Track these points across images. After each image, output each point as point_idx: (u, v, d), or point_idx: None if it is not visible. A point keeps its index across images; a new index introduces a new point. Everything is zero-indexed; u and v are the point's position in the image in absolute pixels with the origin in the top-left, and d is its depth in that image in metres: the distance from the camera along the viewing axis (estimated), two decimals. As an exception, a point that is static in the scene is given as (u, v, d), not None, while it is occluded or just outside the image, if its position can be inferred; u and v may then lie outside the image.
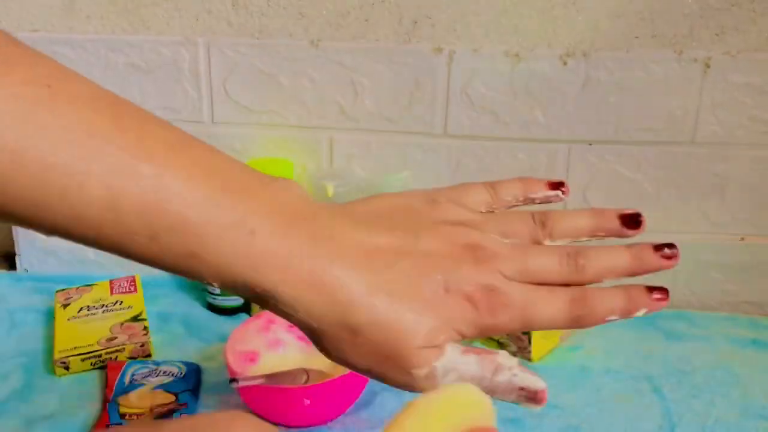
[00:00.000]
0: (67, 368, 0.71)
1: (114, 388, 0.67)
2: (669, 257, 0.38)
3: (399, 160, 0.84)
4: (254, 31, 0.81)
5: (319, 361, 0.69)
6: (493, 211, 0.41)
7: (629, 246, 0.39)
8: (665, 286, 0.38)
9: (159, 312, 0.81)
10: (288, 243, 0.35)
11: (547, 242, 0.39)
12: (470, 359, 0.37)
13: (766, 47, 0.76)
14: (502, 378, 0.37)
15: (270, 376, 0.61)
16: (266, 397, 0.62)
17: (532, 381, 0.37)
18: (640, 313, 0.38)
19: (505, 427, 0.45)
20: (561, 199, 0.41)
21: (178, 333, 0.79)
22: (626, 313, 0.38)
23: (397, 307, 0.36)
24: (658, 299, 0.38)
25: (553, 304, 0.37)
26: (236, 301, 0.81)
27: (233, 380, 0.61)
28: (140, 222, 0.34)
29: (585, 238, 0.40)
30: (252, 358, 0.69)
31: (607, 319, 0.38)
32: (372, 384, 0.68)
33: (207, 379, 0.71)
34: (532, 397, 0.37)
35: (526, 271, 0.38)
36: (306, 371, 0.64)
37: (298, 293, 0.35)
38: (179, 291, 0.86)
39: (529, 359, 0.74)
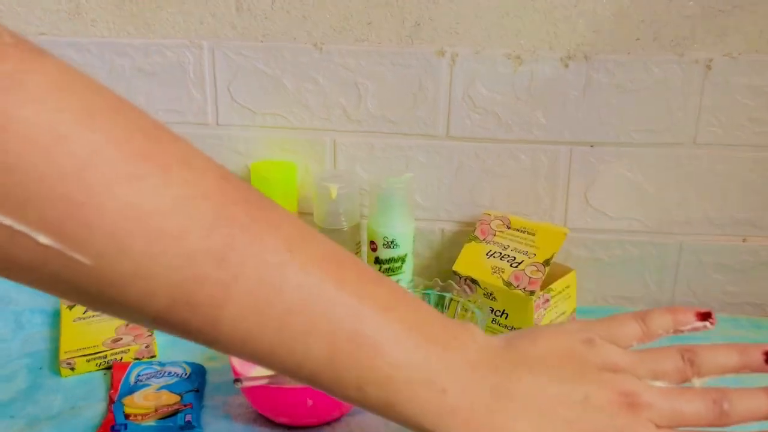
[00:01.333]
0: (72, 369, 0.72)
1: (119, 388, 0.67)
2: None
3: (401, 161, 0.85)
4: (258, 34, 0.82)
5: (323, 362, 0.70)
6: (643, 340, 0.45)
7: (767, 390, 0.42)
8: None
9: (164, 313, 0.81)
10: (472, 399, 0.39)
11: (695, 380, 0.43)
12: None
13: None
14: None
15: (274, 377, 0.62)
16: (270, 397, 0.63)
17: None
18: None
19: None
20: (707, 329, 0.45)
21: (182, 334, 0.79)
22: None
23: None
24: None
25: None
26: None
27: (237, 380, 0.61)
28: (351, 376, 0.38)
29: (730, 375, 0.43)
30: (256, 358, 0.70)
31: None
32: (375, 384, 0.68)
33: (211, 379, 0.71)
34: None
35: (674, 417, 0.41)
36: (309, 371, 0.64)
37: None
38: (184, 292, 0.86)
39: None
